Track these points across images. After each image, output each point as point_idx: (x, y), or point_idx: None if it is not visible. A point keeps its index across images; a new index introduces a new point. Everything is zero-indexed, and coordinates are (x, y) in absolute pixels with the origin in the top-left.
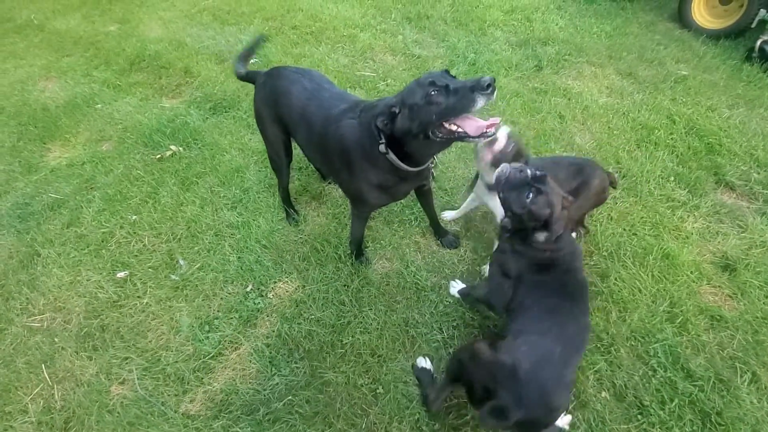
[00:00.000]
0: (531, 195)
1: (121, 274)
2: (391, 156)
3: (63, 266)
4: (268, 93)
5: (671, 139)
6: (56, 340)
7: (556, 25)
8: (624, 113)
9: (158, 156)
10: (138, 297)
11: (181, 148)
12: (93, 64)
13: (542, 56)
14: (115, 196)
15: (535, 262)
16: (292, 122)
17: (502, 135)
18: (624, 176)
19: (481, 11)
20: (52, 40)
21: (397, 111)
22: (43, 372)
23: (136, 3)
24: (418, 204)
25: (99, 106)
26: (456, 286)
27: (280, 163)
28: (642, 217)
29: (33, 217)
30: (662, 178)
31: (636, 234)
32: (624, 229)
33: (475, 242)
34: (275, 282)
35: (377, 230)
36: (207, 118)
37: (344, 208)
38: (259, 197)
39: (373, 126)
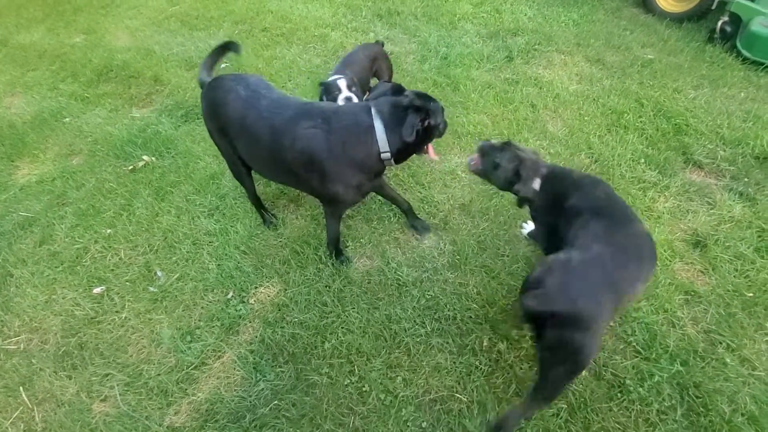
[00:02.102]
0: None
1: (97, 290)
2: (386, 156)
3: (37, 285)
4: (208, 105)
5: (640, 122)
6: (34, 361)
7: (525, 15)
8: (594, 99)
9: (131, 167)
10: (116, 312)
11: (153, 158)
12: (59, 77)
13: (513, 47)
14: (87, 210)
15: (545, 206)
16: (233, 134)
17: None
18: (596, 161)
19: (451, 5)
20: (16, 55)
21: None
22: (21, 395)
23: (101, 12)
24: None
25: (67, 119)
26: (526, 228)
27: (239, 173)
28: None
29: (4, 238)
30: (633, 161)
31: None
32: None
33: (454, 235)
34: (256, 287)
35: (356, 229)
36: (179, 125)
37: (322, 209)
38: (236, 203)
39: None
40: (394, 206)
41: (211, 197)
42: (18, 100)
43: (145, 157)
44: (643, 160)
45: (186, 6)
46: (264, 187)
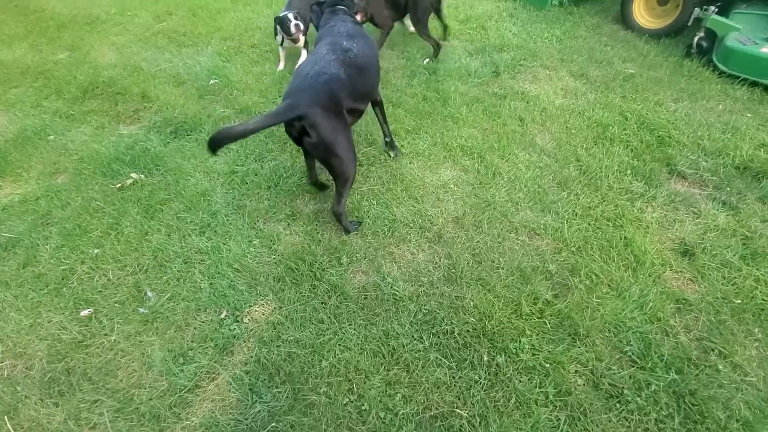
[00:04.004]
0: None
1: (84, 312)
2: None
3: (21, 309)
4: (322, 88)
5: (625, 134)
6: (18, 388)
7: (510, 32)
8: (580, 113)
9: (118, 185)
10: (105, 335)
11: (142, 176)
12: (43, 95)
13: (499, 62)
14: (73, 230)
15: None
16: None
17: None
18: (584, 173)
19: (437, 21)
20: None
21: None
22: (6, 424)
23: (86, 29)
24: (389, 214)
25: (51, 137)
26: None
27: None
28: (604, 211)
29: None
30: (620, 172)
31: (600, 228)
32: (588, 224)
33: (449, 248)
34: (250, 306)
35: (351, 244)
36: (168, 142)
37: (317, 225)
38: (228, 220)
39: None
40: (387, 220)
41: (203, 214)
42: (0, 117)
43: (133, 175)
44: (629, 172)
45: (173, 23)
46: (257, 203)
